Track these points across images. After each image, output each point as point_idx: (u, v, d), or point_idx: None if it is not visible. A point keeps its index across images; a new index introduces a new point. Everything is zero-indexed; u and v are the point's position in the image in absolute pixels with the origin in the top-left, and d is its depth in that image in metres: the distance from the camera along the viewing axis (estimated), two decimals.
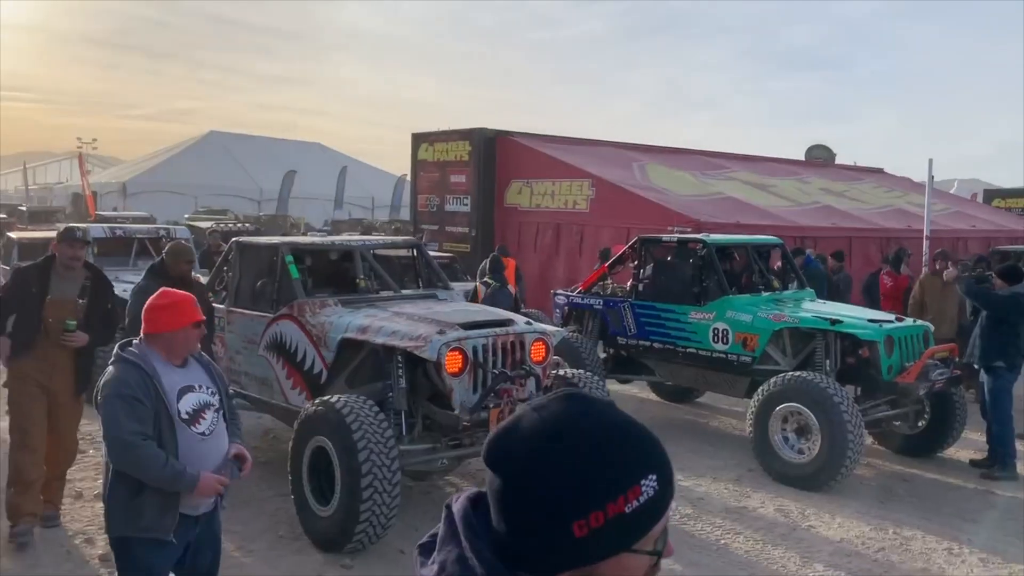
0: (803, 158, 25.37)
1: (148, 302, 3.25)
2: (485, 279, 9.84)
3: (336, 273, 7.32)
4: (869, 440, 7.45)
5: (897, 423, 7.51)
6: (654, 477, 1.01)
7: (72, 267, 5.12)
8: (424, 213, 17.69)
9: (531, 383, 5.65)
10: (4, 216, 22.57)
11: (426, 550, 1.09)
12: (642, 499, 0.99)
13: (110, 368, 3.16)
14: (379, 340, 5.46)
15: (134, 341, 3.25)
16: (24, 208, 29.56)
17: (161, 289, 3.35)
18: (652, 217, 12.89)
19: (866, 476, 7.05)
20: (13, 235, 14.52)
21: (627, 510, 0.99)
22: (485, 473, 1.05)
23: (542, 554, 1.00)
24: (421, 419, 5.62)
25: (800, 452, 6.64)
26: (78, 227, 5.28)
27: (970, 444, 7.78)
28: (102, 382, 3.15)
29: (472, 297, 9.45)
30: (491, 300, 8.93)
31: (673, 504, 1.04)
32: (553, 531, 0.98)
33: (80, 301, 5.11)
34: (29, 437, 5.07)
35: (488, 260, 10.28)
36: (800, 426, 6.65)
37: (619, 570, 1.01)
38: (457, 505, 1.08)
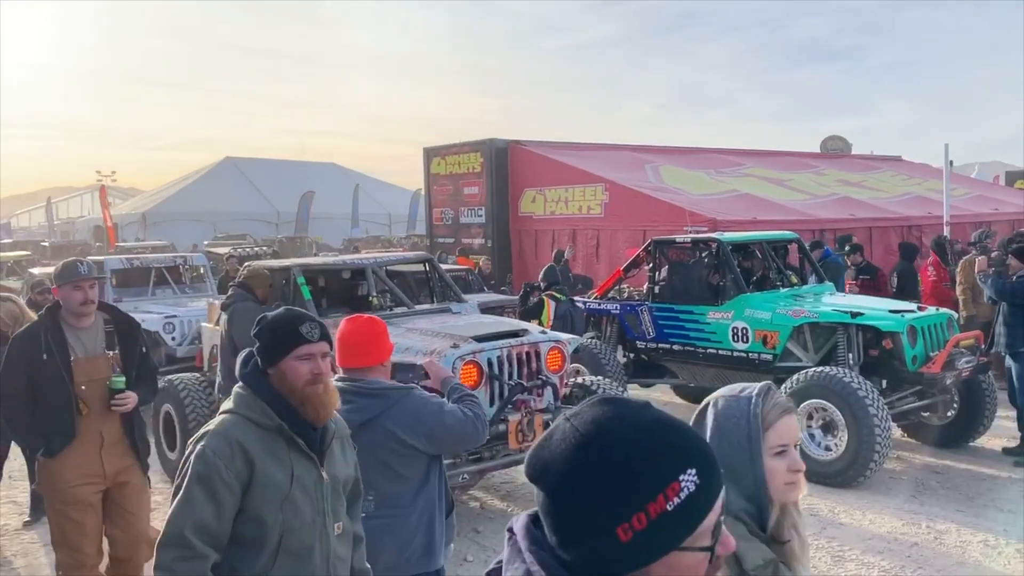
0: (819, 150, 25.17)
1: (363, 331, 2.82)
2: (551, 292, 8.85)
3: (349, 291, 7.33)
4: (898, 433, 7.33)
5: (926, 414, 7.37)
6: (693, 471, 0.99)
7: (85, 313, 3.89)
8: (439, 226, 17.73)
9: (548, 393, 5.60)
10: (28, 252, 22.85)
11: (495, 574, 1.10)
12: (683, 495, 0.97)
13: (413, 396, 2.80)
14: (393, 357, 5.43)
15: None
16: (47, 244, 29.95)
17: (354, 317, 2.91)
18: (668, 218, 12.82)
19: (896, 470, 6.92)
20: (35, 271, 14.72)
21: (669, 508, 0.97)
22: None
23: (593, 563, 0.99)
24: None
25: (827, 449, 6.53)
26: (81, 260, 3.96)
27: (1003, 432, 7.61)
28: (426, 414, 2.75)
29: (539, 311, 8.64)
30: (564, 317, 8.40)
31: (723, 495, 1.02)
32: (599, 539, 0.98)
33: (111, 353, 3.97)
34: (83, 555, 3.91)
35: (544, 269, 9.55)
36: (826, 422, 6.54)
37: (673, 570, 0.99)
38: (518, 524, 1.08)
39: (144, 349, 4.13)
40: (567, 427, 1.03)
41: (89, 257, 13.86)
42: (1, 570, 5.19)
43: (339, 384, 2.71)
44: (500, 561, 1.09)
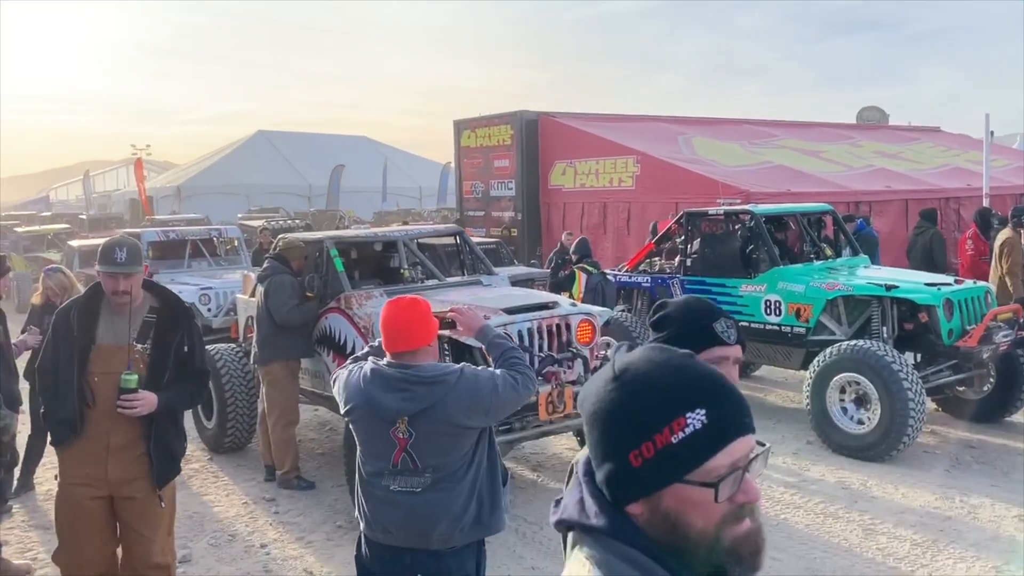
0: (855, 121, 24.73)
1: (406, 315, 2.75)
2: (582, 264, 8.80)
3: (381, 264, 7.38)
4: (932, 407, 7.25)
5: (961, 388, 7.28)
6: (702, 411, 1.06)
7: (120, 303, 3.46)
8: (470, 199, 17.74)
9: (578, 365, 5.61)
10: (67, 225, 23.24)
11: (558, 503, 1.21)
12: (687, 431, 1.05)
13: (465, 377, 2.74)
14: (449, 328, 5.47)
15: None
16: (84, 216, 30.41)
17: (397, 299, 2.82)
18: (700, 190, 12.71)
19: (930, 444, 6.86)
20: (74, 243, 14.98)
21: (674, 440, 1.05)
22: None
23: (613, 484, 1.10)
24: None
25: (860, 423, 6.48)
26: (120, 246, 3.44)
27: None
28: (483, 391, 2.72)
29: (571, 283, 8.69)
30: (595, 290, 8.46)
31: (754, 444, 1.09)
32: (615, 462, 1.09)
33: (139, 346, 3.48)
34: (71, 557, 3.54)
35: (576, 241, 9.51)
36: (859, 396, 6.49)
37: (680, 502, 1.07)
38: (580, 459, 1.20)
39: (189, 347, 3.58)
40: (606, 366, 1.16)
41: (125, 230, 14.07)
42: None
43: (392, 372, 2.71)
44: None
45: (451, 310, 3.24)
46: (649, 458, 1.06)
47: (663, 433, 1.05)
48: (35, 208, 47.17)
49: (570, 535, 1.17)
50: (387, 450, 2.73)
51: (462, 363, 2.88)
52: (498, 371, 2.84)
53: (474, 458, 2.78)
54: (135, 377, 3.38)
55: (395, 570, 2.80)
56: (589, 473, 1.15)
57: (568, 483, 1.20)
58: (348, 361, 3.04)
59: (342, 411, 2.87)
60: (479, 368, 2.86)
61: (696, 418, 1.05)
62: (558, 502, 1.21)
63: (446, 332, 3.18)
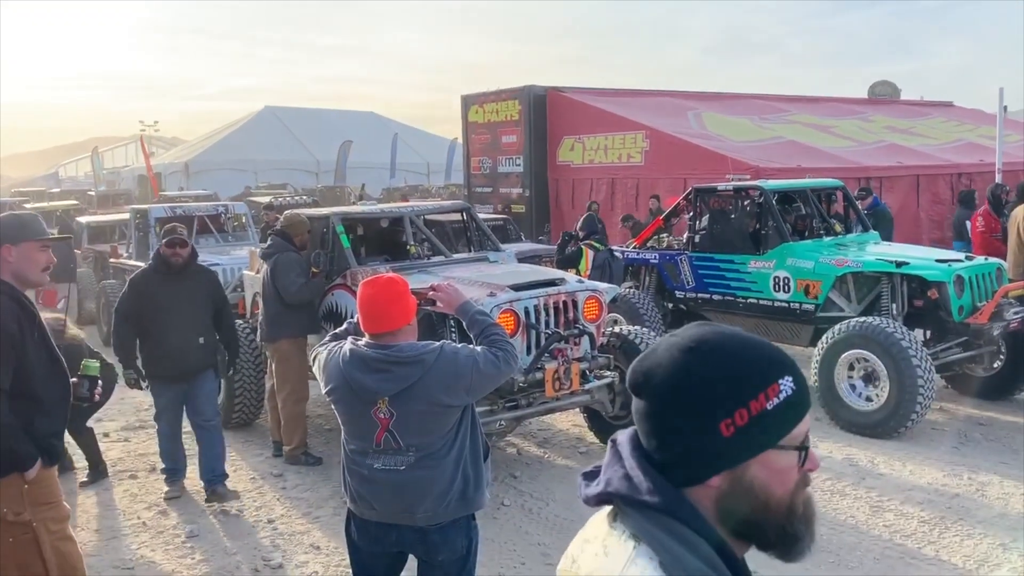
0: (866, 96, 24.47)
1: (382, 296, 2.73)
2: (589, 241, 8.78)
3: (388, 240, 7.35)
4: (942, 384, 7.22)
5: (971, 366, 7.23)
6: (790, 378, 1.08)
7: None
8: (477, 176, 17.67)
9: (585, 341, 5.60)
10: (76, 202, 23.27)
11: (590, 476, 1.17)
12: (781, 396, 1.07)
13: (445, 354, 2.73)
14: (430, 305, 5.46)
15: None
16: (93, 193, 30.45)
17: (372, 280, 2.79)
18: (709, 166, 12.62)
19: (939, 421, 6.83)
20: (82, 219, 15.00)
21: (769, 407, 1.06)
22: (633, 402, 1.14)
23: (696, 458, 1.07)
24: None
25: (868, 399, 6.46)
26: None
27: None
28: (463, 368, 2.73)
29: (577, 260, 8.65)
30: (602, 267, 8.43)
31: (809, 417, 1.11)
32: (703, 434, 1.06)
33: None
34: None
35: (582, 219, 9.43)
36: (867, 373, 6.46)
37: (768, 471, 1.07)
38: (623, 435, 1.17)
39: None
40: (670, 340, 1.13)
41: (132, 206, 14.07)
42: None
43: (371, 353, 2.70)
44: (597, 466, 1.18)
45: (430, 286, 3.22)
46: (743, 425, 1.05)
47: (758, 399, 1.06)
48: (44, 184, 47.25)
49: (602, 514, 1.15)
50: (369, 430, 2.73)
51: (442, 341, 2.85)
52: (479, 348, 2.82)
53: (457, 435, 2.77)
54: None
55: (382, 546, 2.83)
56: (638, 448, 1.12)
57: (607, 458, 1.16)
58: (327, 338, 3.02)
59: (323, 391, 2.87)
60: (459, 345, 2.83)
61: (787, 385, 1.07)
62: (588, 475, 1.18)
63: (428, 308, 3.19)
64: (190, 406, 5.47)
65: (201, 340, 5.35)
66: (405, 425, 2.69)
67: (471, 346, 2.86)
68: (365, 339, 2.76)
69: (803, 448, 1.09)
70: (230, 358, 5.76)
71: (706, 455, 1.06)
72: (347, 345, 2.78)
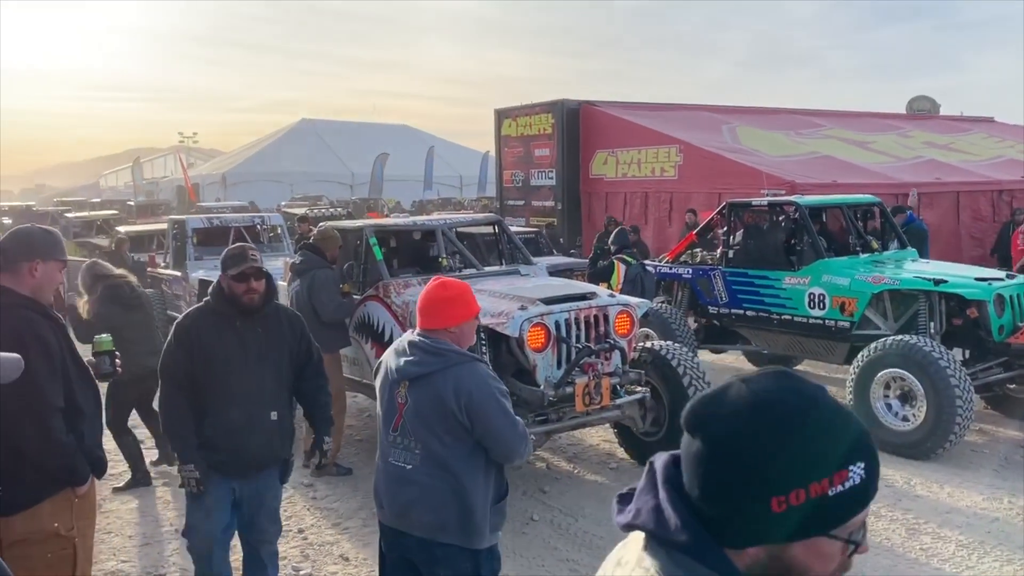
0: (904, 111, 24.16)
1: (432, 294, 2.82)
2: (621, 255, 8.66)
3: (420, 253, 7.39)
4: (981, 405, 7.07)
5: (1012, 386, 7.08)
6: (862, 465, 0.99)
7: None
8: (510, 189, 17.71)
9: (616, 356, 5.57)
10: (115, 212, 23.70)
11: (624, 499, 1.11)
12: (847, 484, 0.97)
13: (473, 366, 2.77)
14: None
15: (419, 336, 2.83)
16: (133, 203, 31.01)
17: (440, 279, 2.91)
18: (744, 180, 12.53)
19: (979, 443, 6.68)
20: (122, 229, 15.28)
21: (831, 493, 0.97)
22: (683, 436, 1.06)
23: (735, 524, 0.99)
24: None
25: (905, 419, 6.34)
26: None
27: None
28: (475, 385, 2.72)
29: (609, 274, 8.55)
30: (634, 281, 8.29)
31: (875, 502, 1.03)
32: (750, 502, 0.98)
33: None
34: None
35: (614, 233, 9.29)
36: (904, 392, 6.34)
37: (811, 554, 0.99)
38: (659, 461, 1.09)
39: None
40: (742, 388, 1.02)
41: (170, 216, 14.30)
42: None
43: (412, 339, 2.83)
44: (632, 487, 1.11)
45: None
46: (796, 506, 0.96)
47: (821, 483, 0.96)
48: (85, 194, 48.23)
49: (639, 536, 1.08)
50: (391, 413, 2.85)
51: (483, 359, 2.89)
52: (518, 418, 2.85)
53: (467, 465, 2.76)
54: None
55: (397, 552, 2.89)
56: (672, 482, 1.05)
57: (642, 484, 1.09)
58: None
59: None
60: (496, 382, 2.82)
61: (856, 472, 0.98)
62: (623, 498, 1.12)
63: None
64: (244, 516, 3.71)
65: (274, 416, 3.60)
66: (415, 414, 2.76)
67: (507, 400, 2.83)
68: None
69: (853, 542, 1.01)
70: (317, 441, 3.88)
71: (749, 524, 0.98)
72: (407, 335, 2.91)
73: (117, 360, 3.40)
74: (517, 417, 2.84)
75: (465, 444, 2.75)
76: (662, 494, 1.04)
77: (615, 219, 13.61)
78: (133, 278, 6.28)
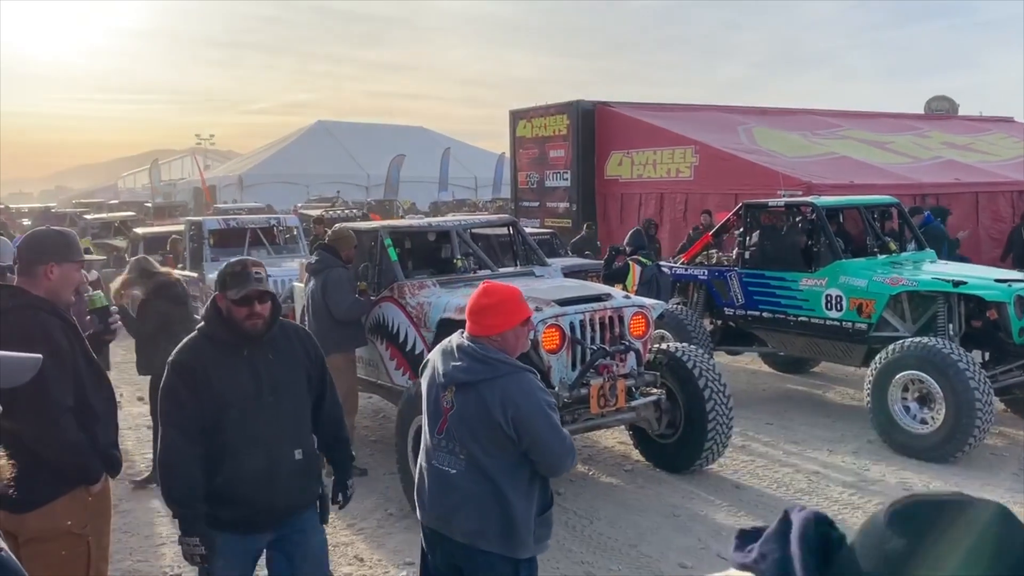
0: (923, 112, 23.97)
1: (474, 301, 2.80)
2: (636, 256, 8.69)
3: (435, 254, 7.39)
4: (1001, 408, 6.99)
5: None
6: None
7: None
8: (524, 190, 17.69)
9: (631, 358, 5.54)
10: (133, 213, 23.87)
11: (746, 537, 1.07)
12: None
13: (522, 377, 2.73)
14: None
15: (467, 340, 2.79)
16: (150, 204, 31.23)
17: (487, 284, 2.87)
18: (760, 181, 12.44)
19: (998, 447, 6.61)
20: (139, 230, 15.39)
21: None
22: (875, 519, 0.96)
23: None
24: None
25: (923, 422, 6.28)
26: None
27: None
28: (522, 397, 2.68)
29: (624, 276, 8.58)
30: (649, 283, 8.32)
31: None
32: None
33: None
34: None
35: (629, 234, 9.32)
36: (922, 395, 6.28)
37: None
38: (800, 514, 1.03)
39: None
40: (971, 511, 0.94)
41: (188, 217, 14.40)
42: None
43: (461, 343, 2.81)
44: (758, 527, 1.07)
45: None
46: None
47: None
48: (104, 196, 48.64)
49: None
50: (437, 416, 2.82)
51: (531, 369, 2.82)
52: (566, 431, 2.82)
53: (516, 471, 2.74)
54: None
55: (436, 555, 2.87)
56: (808, 542, 0.98)
57: (771, 530, 1.04)
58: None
59: (420, 367, 3.01)
60: (545, 394, 2.77)
61: None
62: (744, 535, 1.07)
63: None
64: (284, 571, 3.10)
65: (299, 455, 3.05)
66: (460, 420, 2.73)
67: (554, 412, 2.79)
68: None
69: None
70: (338, 481, 3.33)
71: None
72: (456, 337, 2.87)
73: (112, 319, 3.48)
74: (564, 430, 2.80)
75: (510, 455, 2.72)
76: (795, 550, 0.99)
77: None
78: (178, 274, 6.58)
